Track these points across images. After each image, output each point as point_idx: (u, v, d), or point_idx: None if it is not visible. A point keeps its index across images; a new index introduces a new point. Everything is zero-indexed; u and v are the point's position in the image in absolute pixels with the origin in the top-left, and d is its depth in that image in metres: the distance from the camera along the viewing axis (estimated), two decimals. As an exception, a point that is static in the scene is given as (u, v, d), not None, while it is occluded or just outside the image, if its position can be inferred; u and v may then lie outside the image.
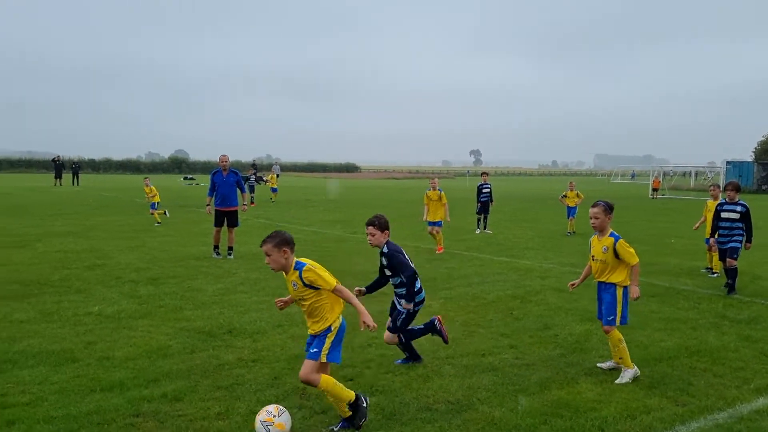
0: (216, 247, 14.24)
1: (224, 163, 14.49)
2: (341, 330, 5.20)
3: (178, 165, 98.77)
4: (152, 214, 21.66)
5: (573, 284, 7.01)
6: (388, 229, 6.53)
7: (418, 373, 6.53)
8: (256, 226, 20.92)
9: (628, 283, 6.55)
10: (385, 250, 6.52)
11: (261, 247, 5.09)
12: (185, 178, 67.36)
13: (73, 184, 49.91)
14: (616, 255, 6.47)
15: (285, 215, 25.75)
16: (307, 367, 5.02)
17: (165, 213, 22.71)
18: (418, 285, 6.61)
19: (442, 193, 15.71)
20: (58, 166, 52.03)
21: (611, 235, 6.55)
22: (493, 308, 9.47)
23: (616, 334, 6.50)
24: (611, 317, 6.49)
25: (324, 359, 5.07)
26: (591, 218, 6.61)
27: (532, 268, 13.12)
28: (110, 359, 6.78)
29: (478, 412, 5.53)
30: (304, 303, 5.12)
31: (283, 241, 4.99)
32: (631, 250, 6.50)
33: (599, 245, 6.60)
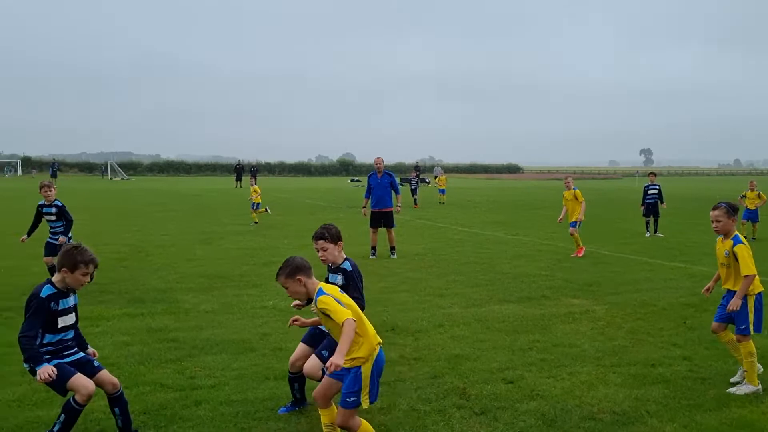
0: (373, 248, 14.51)
1: (379, 165, 14.78)
2: (377, 367, 4.48)
3: (345, 167, 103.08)
4: (253, 214, 22.48)
5: (707, 289, 6.56)
6: (341, 239, 5.60)
7: (581, 380, 6.33)
8: (419, 227, 21.30)
9: (761, 289, 6.09)
10: (348, 267, 5.54)
11: (276, 280, 4.72)
12: (351, 180, 70.12)
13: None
14: (737, 259, 5.98)
15: (446, 216, 25.92)
16: (344, 415, 4.42)
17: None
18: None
19: (577, 191, 15.18)
20: (238, 170, 56.37)
21: (733, 237, 6.10)
22: (664, 316, 8.93)
23: (749, 345, 5.98)
24: (743, 326, 6.01)
25: (366, 404, 4.43)
26: (713, 221, 6.24)
27: (709, 275, 12.06)
28: (282, 350, 7.25)
29: (648, 426, 5.26)
30: (331, 330, 4.57)
31: (294, 270, 4.57)
32: (750, 260, 5.93)
33: (722, 248, 6.17)
